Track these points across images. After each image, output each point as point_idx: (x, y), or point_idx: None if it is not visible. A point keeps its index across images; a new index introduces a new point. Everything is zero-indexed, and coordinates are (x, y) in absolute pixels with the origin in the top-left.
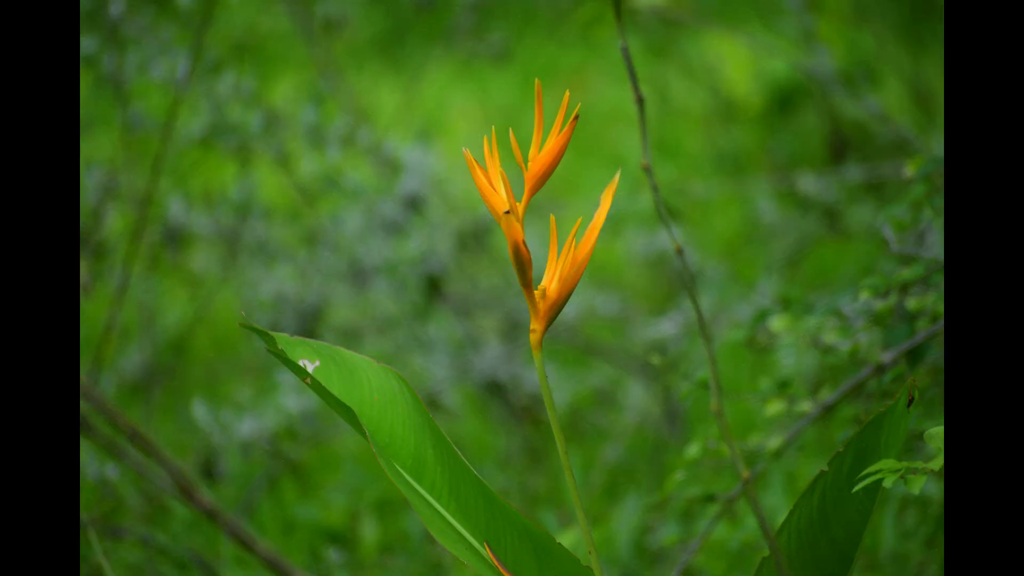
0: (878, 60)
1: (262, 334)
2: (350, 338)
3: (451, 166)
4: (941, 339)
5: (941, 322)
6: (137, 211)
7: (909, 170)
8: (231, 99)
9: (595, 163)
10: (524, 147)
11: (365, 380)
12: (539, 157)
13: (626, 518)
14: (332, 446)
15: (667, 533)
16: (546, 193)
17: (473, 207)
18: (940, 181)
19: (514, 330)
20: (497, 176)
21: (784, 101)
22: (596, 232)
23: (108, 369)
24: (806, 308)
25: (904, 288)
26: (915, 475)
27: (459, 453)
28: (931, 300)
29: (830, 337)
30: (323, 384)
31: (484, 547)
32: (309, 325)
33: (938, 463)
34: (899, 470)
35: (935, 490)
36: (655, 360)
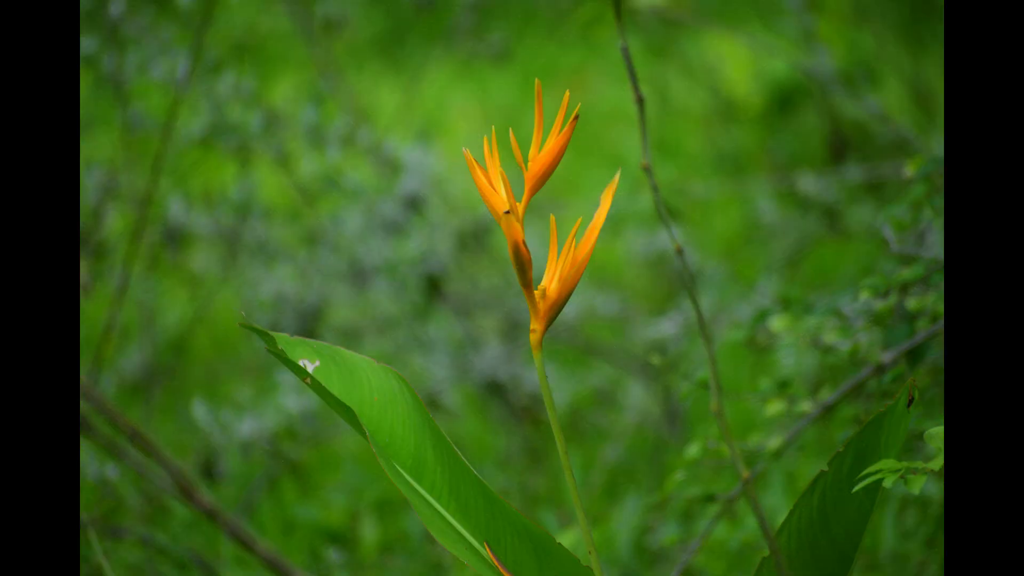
0: (878, 60)
1: (262, 334)
2: (350, 338)
3: (451, 166)
4: (941, 339)
5: (941, 322)
6: (137, 211)
7: (909, 170)
8: (231, 99)
9: (595, 163)
10: (524, 147)
11: (365, 380)
12: (539, 157)
13: (626, 518)
14: (332, 446)
15: (667, 533)
16: (546, 193)
17: (473, 207)
18: (940, 181)
19: (514, 330)
20: (497, 176)
21: (784, 101)
22: (596, 232)
23: (108, 369)
24: (806, 308)
25: (904, 288)
26: (915, 475)
27: (459, 453)
28: (931, 300)
29: (830, 337)
30: (323, 384)
31: (484, 547)
32: (309, 325)
33: (938, 463)
34: (899, 470)
35: (935, 490)
36: (655, 360)
